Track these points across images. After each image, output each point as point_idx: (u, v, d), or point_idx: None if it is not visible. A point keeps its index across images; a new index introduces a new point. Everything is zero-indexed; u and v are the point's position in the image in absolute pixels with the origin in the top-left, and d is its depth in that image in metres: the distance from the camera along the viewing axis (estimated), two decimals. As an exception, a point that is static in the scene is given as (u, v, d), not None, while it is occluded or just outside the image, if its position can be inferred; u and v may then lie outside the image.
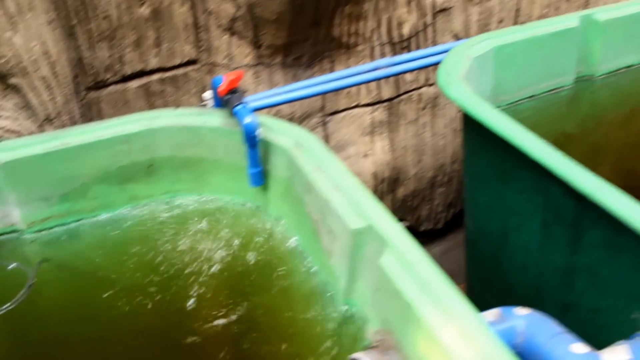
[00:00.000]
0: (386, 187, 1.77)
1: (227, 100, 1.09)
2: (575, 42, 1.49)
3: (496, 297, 1.36)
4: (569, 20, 1.48)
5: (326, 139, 1.61)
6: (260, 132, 1.06)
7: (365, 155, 1.70)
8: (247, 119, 1.03)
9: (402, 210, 1.84)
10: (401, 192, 1.79)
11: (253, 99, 1.14)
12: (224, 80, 1.07)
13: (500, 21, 1.71)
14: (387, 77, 1.31)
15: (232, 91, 1.09)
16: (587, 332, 0.87)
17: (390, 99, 1.64)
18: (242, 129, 1.04)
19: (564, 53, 1.49)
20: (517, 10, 1.74)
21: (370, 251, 0.86)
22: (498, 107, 1.45)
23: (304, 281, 1.00)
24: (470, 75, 1.32)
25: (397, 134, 1.70)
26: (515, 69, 1.43)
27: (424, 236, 1.90)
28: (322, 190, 0.95)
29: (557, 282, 1.10)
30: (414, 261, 0.79)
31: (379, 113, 1.65)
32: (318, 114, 1.55)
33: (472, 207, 1.37)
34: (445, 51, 1.35)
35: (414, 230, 1.87)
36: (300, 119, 1.55)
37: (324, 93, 1.22)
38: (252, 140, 1.04)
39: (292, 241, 1.07)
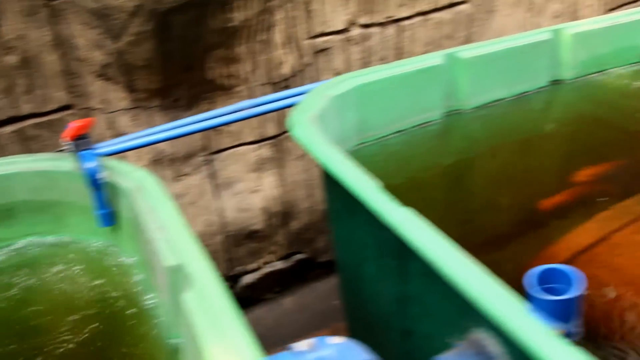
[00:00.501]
0: (279, 221, 1.82)
1: (76, 146, 1.14)
2: (441, 79, 1.58)
3: (364, 326, 1.41)
4: (433, 58, 1.57)
5: (213, 176, 1.66)
6: (105, 176, 1.11)
7: (254, 191, 1.75)
8: (89, 164, 1.08)
9: (297, 243, 1.89)
10: (295, 225, 1.84)
11: (105, 145, 1.20)
12: (70, 127, 1.12)
13: (383, 59, 1.80)
14: (250, 117, 1.37)
15: (81, 137, 1.14)
16: (425, 358, 0.92)
17: (274, 136, 1.70)
18: (84, 173, 1.09)
19: (431, 89, 1.57)
20: (399, 49, 1.83)
21: (182, 287, 0.91)
22: (365, 142, 1.52)
23: (143, 318, 1.05)
24: (329, 114, 1.39)
25: (286, 169, 1.77)
26: (381, 105, 1.51)
27: (323, 267, 1.96)
28: (149, 229, 1.00)
29: (395, 310, 1.16)
30: (211, 297, 0.84)
31: (265, 150, 1.71)
32: (201, 153, 1.61)
33: (334, 240, 1.43)
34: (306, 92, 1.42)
35: (312, 262, 1.93)
36: (184, 158, 1.61)
37: (180, 136, 1.27)
38: (95, 183, 1.09)
39: (137, 278, 1.12)
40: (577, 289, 0.73)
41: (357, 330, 1.49)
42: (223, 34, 1.46)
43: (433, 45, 1.89)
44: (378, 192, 1.04)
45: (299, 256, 1.91)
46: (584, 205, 1.30)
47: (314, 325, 1.81)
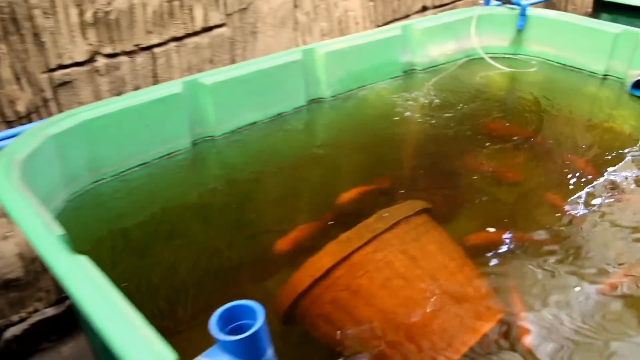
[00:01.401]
0: (41, 266, 1.69)
1: None
2: (182, 107, 1.53)
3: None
4: (172, 86, 1.51)
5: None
6: None
7: (5, 238, 1.61)
8: None
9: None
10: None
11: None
12: None
13: (137, 87, 1.72)
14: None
15: None
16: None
17: (16, 179, 1.56)
18: None
19: (172, 118, 1.51)
20: (155, 77, 1.76)
21: None
22: (102, 179, 1.44)
23: None
24: (44, 155, 1.29)
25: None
26: (115, 140, 1.43)
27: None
28: None
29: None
30: None
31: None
32: None
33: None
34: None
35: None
36: None
37: None
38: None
39: None
40: (258, 322, 0.69)
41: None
42: None
43: (194, 70, 1.85)
44: (52, 240, 0.95)
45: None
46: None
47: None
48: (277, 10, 1.96)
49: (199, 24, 1.80)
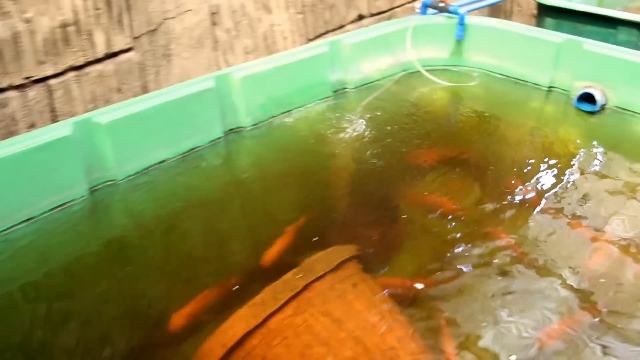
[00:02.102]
0: None
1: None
2: (75, 150, 1.34)
3: None
4: (59, 129, 1.33)
5: None
6: None
7: None
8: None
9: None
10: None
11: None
12: None
13: (31, 126, 1.53)
14: None
15: None
16: None
17: None
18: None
19: (63, 164, 1.33)
20: (53, 111, 1.57)
21: None
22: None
23: None
24: None
25: None
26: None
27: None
28: None
29: None
30: None
31: None
32: None
33: None
34: None
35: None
36: None
37: None
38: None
39: None
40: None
41: None
42: None
43: (100, 102, 1.65)
44: None
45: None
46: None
47: None
48: (192, 30, 1.78)
49: (101, 50, 1.61)
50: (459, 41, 1.99)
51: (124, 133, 1.41)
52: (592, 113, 1.77)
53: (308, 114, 1.76)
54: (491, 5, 2.66)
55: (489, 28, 1.96)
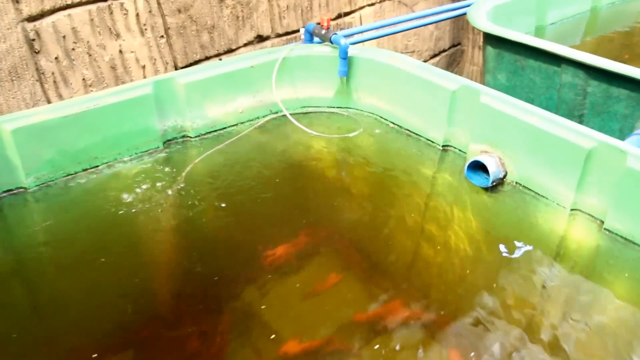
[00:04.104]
0: None
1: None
2: None
3: None
4: None
5: None
6: None
7: None
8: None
9: None
10: None
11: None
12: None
13: None
14: None
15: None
16: None
17: None
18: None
19: None
20: None
21: None
22: None
23: None
24: None
25: None
26: None
27: None
28: None
29: None
30: None
31: None
32: None
33: None
34: None
35: None
36: None
37: None
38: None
39: None
40: None
41: None
42: None
43: None
44: None
45: None
46: None
47: None
48: (1, 59, 1.46)
49: None
50: (346, 79, 1.56)
51: None
52: (486, 189, 1.31)
53: (119, 173, 1.40)
54: (377, 38, 2.14)
55: (377, 64, 1.52)
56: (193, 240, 1.23)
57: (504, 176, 1.32)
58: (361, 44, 2.03)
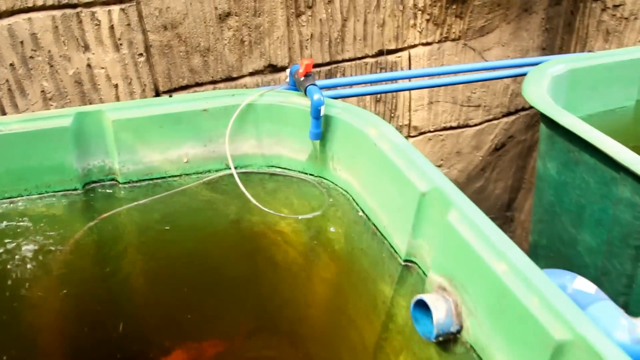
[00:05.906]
0: None
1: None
2: None
3: None
4: None
5: None
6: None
7: None
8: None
9: None
10: None
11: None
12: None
13: None
14: None
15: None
16: None
17: None
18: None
19: None
20: None
21: None
22: None
23: None
24: None
25: None
26: None
27: None
28: None
29: None
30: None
31: None
32: None
33: None
34: None
35: None
36: None
37: None
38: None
39: None
40: None
41: None
42: None
43: None
44: None
45: None
46: None
47: None
48: (-57, 61, 1.31)
49: None
50: (320, 143, 1.22)
51: None
52: (433, 342, 0.92)
53: (19, 209, 1.18)
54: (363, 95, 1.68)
55: (354, 132, 1.17)
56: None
57: (458, 331, 0.90)
58: (354, 97, 1.65)
